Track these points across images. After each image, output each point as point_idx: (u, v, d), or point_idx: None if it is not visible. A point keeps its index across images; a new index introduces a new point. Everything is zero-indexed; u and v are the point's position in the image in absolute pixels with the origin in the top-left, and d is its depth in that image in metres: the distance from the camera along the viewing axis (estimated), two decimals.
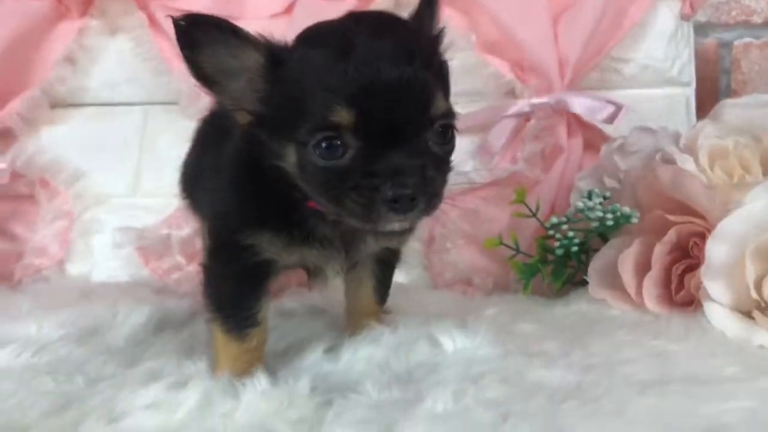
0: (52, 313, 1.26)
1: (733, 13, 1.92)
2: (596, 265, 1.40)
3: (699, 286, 1.22)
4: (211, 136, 1.21)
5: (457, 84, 0.98)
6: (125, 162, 1.90)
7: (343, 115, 0.82)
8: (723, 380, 0.93)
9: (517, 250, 1.52)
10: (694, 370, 0.96)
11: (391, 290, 1.24)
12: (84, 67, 1.92)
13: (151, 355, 1.08)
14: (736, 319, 1.16)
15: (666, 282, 1.31)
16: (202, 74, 0.88)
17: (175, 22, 0.84)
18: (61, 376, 0.97)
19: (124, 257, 1.76)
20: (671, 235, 1.30)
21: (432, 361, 1.03)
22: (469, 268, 1.69)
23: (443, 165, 0.91)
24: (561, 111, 1.70)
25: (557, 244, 1.46)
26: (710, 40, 1.92)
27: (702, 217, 1.28)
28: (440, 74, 0.90)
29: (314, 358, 1.07)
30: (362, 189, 0.83)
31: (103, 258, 1.79)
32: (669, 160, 1.36)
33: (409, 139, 0.84)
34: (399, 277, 1.34)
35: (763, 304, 1.15)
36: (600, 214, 1.40)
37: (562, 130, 1.70)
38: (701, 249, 1.24)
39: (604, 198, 1.45)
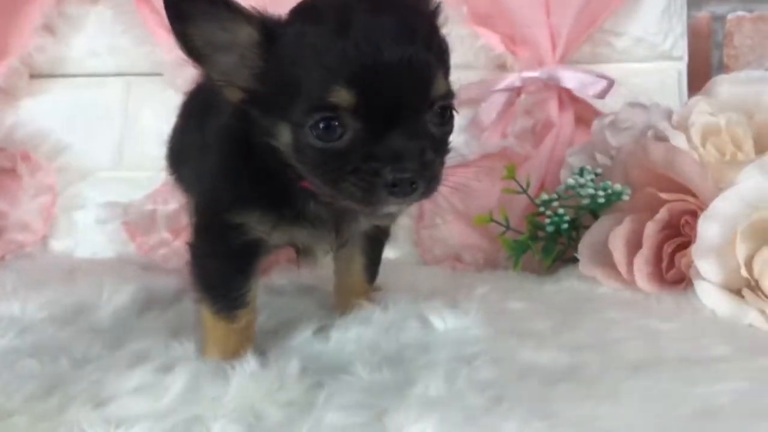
0: (35, 291, 1.24)
1: None
2: (587, 242, 1.39)
3: (690, 264, 1.22)
4: (198, 111, 1.17)
5: None
6: (108, 134, 1.87)
7: (342, 96, 0.79)
8: (713, 360, 0.93)
9: (507, 227, 1.51)
10: (685, 351, 0.97)
11: (381, 266, 1.23)
12: (64, 36, 1.88)
13: (138, 335, 1.07)
14: (726, 298, 1.16)
15: (657, 260, 1.30)
16: (191, 48, 0.84)
17: None
18: (45, 358, 0.95)
19: (109, 233, 1.73)
20: (663, 213, 1.29)
21: (423, 341, 1.03)
22: (459, 244, 1.68)
23: (441, 147, 0.89)
24: (552, 85, 1.68)
25: (548, 221, 1.45)
26: (703, 14, 1.89)
27: (693, 194, 1.27)
28: (440, 54, 0.88)
29: (304, 338, 1.06)
30: (362, 172, 0.81)
31: (87, 233, 1.77)
32: (661, 137, 1.35)
33: (408, 121, 0.82)
34: (389, 253, 1.33)
35: (753, 283, 1.15)
36: (591, 191, 1.39)
37: (553, 105, 1.68)
38: (693, 227, 1.23)
39: (596, 175, 1.44)
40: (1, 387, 0.86)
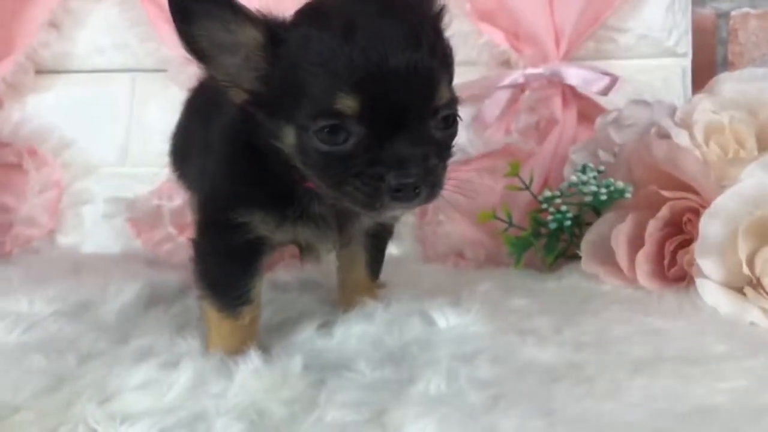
0: (42, 287, 1.25)
1: None
2: (589, 240, 1.40)
3: (692, 262, 1.22)
4: (201, 109, 1.18)
5: None
6: (114, 130, 1.88)
7: (347, 103, 0.80)
8: (714, 359, 0.94)
9: (510, 223, 1.52)
10: (686, 349, 0.97)
11: (384, 263, 1.23)
12: (69, 32, 1.89)
13: (143, 331, 1.07)
14: (728, 296, 1.16)
15: (659, 258, 1.31)
16: (195, 48, 0.85)
17: None
18: (52, 354, 0.96)
19: (114, 228, 1.75)
20: (665, 211, 1.30)
21: (425, 338, 1.03)
22: (462, 241, 1.69)
23: (445, 152, 0.89)
24: (556, 82, 1.68)
25: (550, 218, 1.45)
26: (708, 10, 1.89)
27: (696, 192, 1.27)
28: (445, 61, 0.88)
29: (307, 335, 1.07)
30: (366, 177, 0.82)
31: (93, 229, 1.79)
32: (664, 135, 1.35)
33: (412, 126, 0.82)
34: (391, 249, 1.33)
35: (754, 281, 1.15)
36: (594, 188, 1.40)
37: (556, 102, 1.68)
38: (695, 225, 1.24)
39: (598, 172, 1.44)
40: (9, 383, 0.87)
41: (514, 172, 1.49)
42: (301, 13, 0.89)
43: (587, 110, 1.71)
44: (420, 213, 1.71)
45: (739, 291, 1.17)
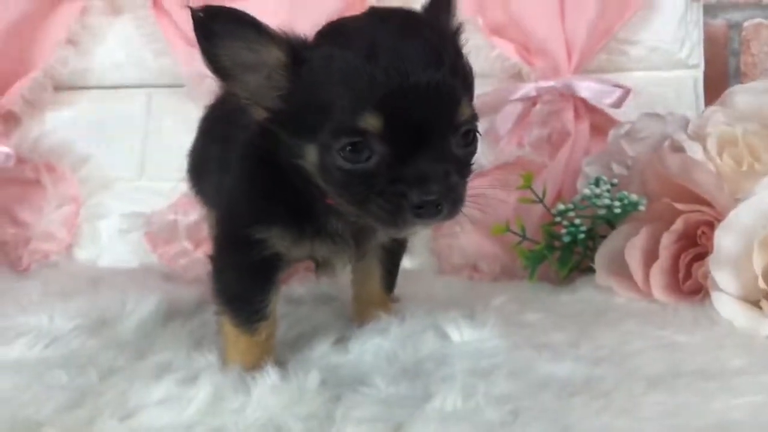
0: (62, 302, 1.27)
1: None
2: (603, 253, 1.40)
3: (707, 275, 1.22)
4: (218, 126, 1.20)
5: None
6: (130, 145, 1.90)
7: (370, 122, 0.81)
8: (731, 374, 0.93)
9: (524, 237, 1.52)
10: (703, 363, 0.97)
11: (398, 276, 1.24)
12: (87, 49, 1.91)
13: (161, 346, 1.09)
14: (744, 309, 1.16)
15: (673, 271, 1.31)
16: (218, 67, 0.86)
17: (194, 13, 0.82)
18: (73, 370, 0.97)
19: (131, 242, 1.77)
20: (679, 224, 1.30)
21: (440, 353, 1.04)
22: (476, 253, 1.69)
23: (465, 168, 0.90)
24: (568, 95, 1.68)
25: (564, 231, 1.45)
26: (719, 21, 1.89)
27: (710, 205, 1.27)
28: (466, 79, 0.89)
29: (323, 350, 1.08)
30: (388, 194, 0.83)
31: (110, 243, 1.80)
32: (678, 148, 1.36)
33: (434, 144, 0.83)
34: (406, 262, 1.34)
35: None
36: (607, 201, 1.40)
37: (568, 115, 1.69)
38: (709, 238, 1.24)
39: (612, 185, 1.44)
40: (31, 398, 0.88)
41: (527, 184, 1.50)
42: (323, 34, 0.90)
43: (599, 123, 1.71)
44: (435, 226, 1.72)
45: (755, 304, 1.17)
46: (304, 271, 1.51)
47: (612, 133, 1.57)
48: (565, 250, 1.49)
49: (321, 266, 1.11)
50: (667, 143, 1.39)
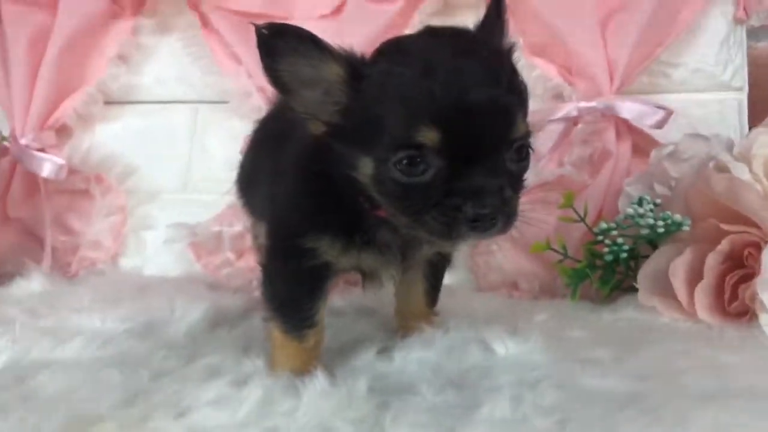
0: (112, 306, 1.31)
1: None
2: (646, 272, 1.39)
3: (754, 296, 1.21)
4: (269, 140, 1.23)
5: None
6: (176, 158, 1.95)
7: (428, 135, 0.82)
8: None
9: (566, 255, 1.52)
10: (752, 383, 0.96)
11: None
12: (136, 65, 1.98)
13: (210, 351, 1.11)
14: None
15: (718, 291, 1.29)
16: (279, 82, 0.89)
17: (258, 30, 0.85)
18: (126, 370, 1.00)
19: (175, 252, 1.81)
20: (725, 245, 1.29)
21: (484, 365, 1.04)
22: (515, 271, 1.69)
23: (518, 183, 0.92)
24: (609, 116, 1.69)
25: (606, 249, 1.45)
26: (763, 44, 1.89)
27: (757, 226, 1.26)
28: (521, 95, 0.91)
29: (368, 359, 1.09)
30: (444, 207, 0.84)
31: (155, 253, 1.85)
32: (723, 169, 1.35)
33: (489, 158, 0.85)
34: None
35: None
36: (651, 221, 1.40)
37: (610, 135, 1.69)
38: (756, 259, 1.23)
39: (655, 205, 1.44)
40: (88, 394, 0.91)
41: (569, 203, 1.50)
42: (381, 51, 0.92)
43: (640, 143, 1.71)
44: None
45: None
46: (345, 284, 1.53)
47: (654, 153, 1.57)
48: (607, 269, 1.48)
49: (367, 278, 1.12)
50: (712, 164, 1.38)
